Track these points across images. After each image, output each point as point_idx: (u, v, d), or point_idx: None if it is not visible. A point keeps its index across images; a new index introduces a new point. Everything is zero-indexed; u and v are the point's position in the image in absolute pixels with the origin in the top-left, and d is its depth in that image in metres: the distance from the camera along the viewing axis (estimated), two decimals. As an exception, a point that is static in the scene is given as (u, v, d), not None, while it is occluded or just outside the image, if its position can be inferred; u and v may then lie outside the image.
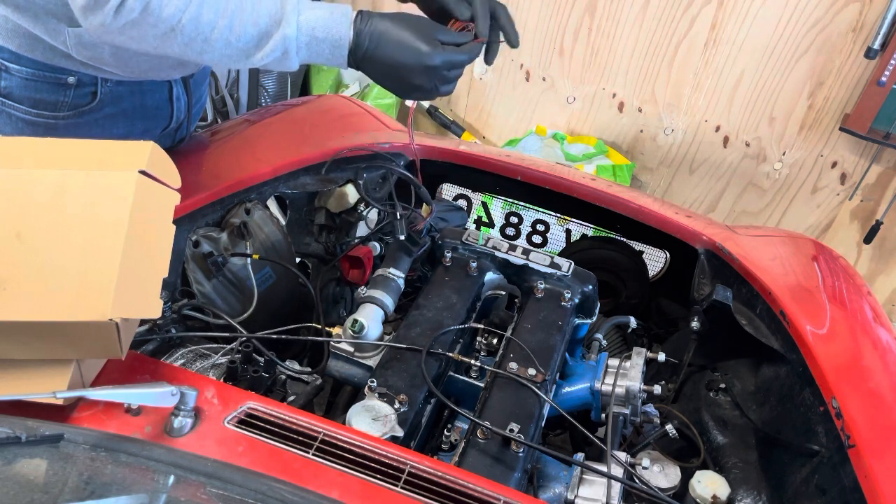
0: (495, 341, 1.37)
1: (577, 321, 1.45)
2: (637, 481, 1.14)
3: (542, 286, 1.41)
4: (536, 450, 1.11)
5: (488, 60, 1.27)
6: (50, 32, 1.20)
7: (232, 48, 1.10)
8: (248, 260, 1.37)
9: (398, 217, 1.41)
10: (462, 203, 1.94)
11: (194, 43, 1.08)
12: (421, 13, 1.24)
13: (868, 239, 3.05)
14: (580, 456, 1.16)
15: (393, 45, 1.13)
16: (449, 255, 1.46)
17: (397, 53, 1.13)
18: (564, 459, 1.12)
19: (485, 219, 2.07)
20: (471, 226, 2.01)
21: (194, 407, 0.91)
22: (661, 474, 1.28)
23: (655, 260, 1.86)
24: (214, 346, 1.20)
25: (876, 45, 2.74)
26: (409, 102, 1.32)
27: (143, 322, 1.15)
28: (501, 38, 1.26)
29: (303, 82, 3.78)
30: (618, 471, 1.10)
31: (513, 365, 1.23)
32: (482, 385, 1.24)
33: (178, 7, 1.05)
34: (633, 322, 1.58)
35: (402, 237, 1.41)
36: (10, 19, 1.19)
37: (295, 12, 1.10)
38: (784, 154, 3.23)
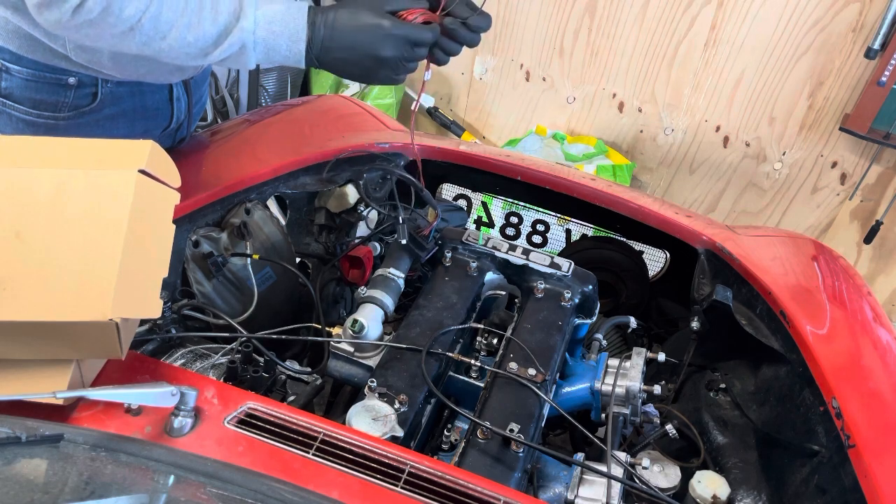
0: (495, 341, 1.37)
1: (577, 321, 1.44)
2: (637, 481, 1.14)
3: (542, 286, 1.41)
4: (536, 450, 1.11)
5: (451, 48, 1.19)
6: (48, 35, 1.20)
7: (191, 46, 1.09)
8: (248, 260, 1.37)
9: (401, 221, 1.41)
10: (462, 203, 1.94)
11: (153, 42, 1.08)
12: None
13: (868, 239, 3.05)
14: (580, 456, 1.16)
15: (349, 29, 1.12)
16: (449, 255, 1.46)
17: (355, 35, 1.12)
18: (564, 459, 1.12)
19: (485, 219, 2.07)
20: (471, 226, 2.01)
21: (194, 407, 0.91)
22: (661, 474, 1.28)
23: (655, 260, 1.86)
24: (214, 346, 1.20)
25: (876, 45, 2.74)
26: (413, 106, 1.29)
27: (143, 322, 1.15)
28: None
29: (303, 82, 3.78)
30: (618, 471, 1.10)
31: (513, 365, 1.23)
32: (482, 385, 1.24)
33: (139, 7, 1.04)
34: (633, 322, 1.58)
35: (403, 241, 1.41)
36: (11, 21, 1.19)
37: (252, 6, 1.10)
38: (784, 154, 3.23)
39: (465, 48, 1.21)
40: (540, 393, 1.19)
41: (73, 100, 1.29)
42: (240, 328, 1.22)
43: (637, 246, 1.84)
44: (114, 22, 1.04)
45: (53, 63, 1.24)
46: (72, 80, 1.27)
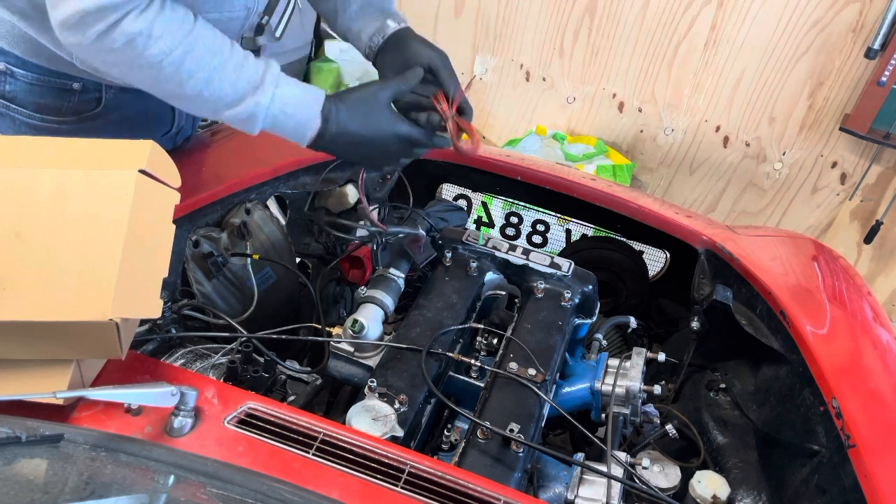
0: (495, 341, 1.37)
1: (577, 321, 1.44)
2: (637, 481, 1.14)
3: (542, 286, 1.41)
4: (536, 450, 1.11)
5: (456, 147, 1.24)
6: (55, 42, 1.20)
7: (203, 100, 1.09)
8: (248, 260, 1.37)
9: (379, 243, 1.42)
10: (462, 203, 1.94)
11: (167, 84, 1.08)
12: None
13: (868, 239, 3.05)
14: (580, 456, 1.16)
15: (357, 126, 1.15)
16: (449, 255, 1.46)
17: (362, 133, 1.16)
18: (564, 459, 1.12)
19: (485, 219, 2.07)
20: (471, 226, 2.01)
21: (194, 407, 0.91)
22: (661, 474, 1.28)
23: (655, 260, 1.86)
24: (214, 346, 1.20)
25: (876, 46, 2.74)
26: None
27: (143, 322, 1.15)
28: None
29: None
30: (618, 471, 1.10)
31: (513, 365, 1.23)
32: (482, 385, 1.24)
33: (163, 50, 1.04)
34: (633, 322, 1.58)
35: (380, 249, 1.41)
36: (17, 26, 1.19)
37: (273, 84, 1.11)
38: (784, 154, 3.23)
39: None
40: (540, 393, 1.19)
41: (77, 104, 1.29)
42: (240, 328, 1.22)
43: (637, 246, 1.84)
44: (135, 56, 1.04)
45: (59, 68, 1.24)
46: (76, 85, 1.27)
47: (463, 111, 1.23)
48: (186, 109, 1.16)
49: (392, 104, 1.19)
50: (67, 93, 1.27)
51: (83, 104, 1.29)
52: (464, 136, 1.21)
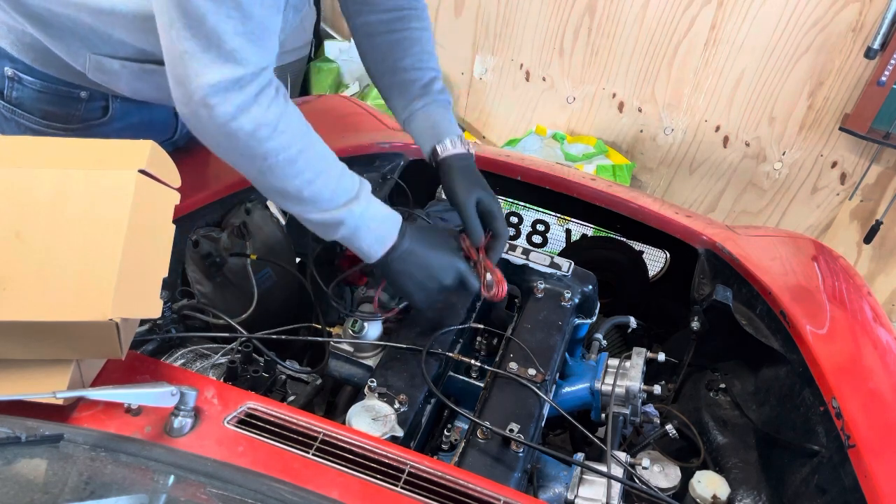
0: (495, 341, 1.37)
1: (577, 321, 1.44)
2: (637, 481, 1.14)
3: (542, 286, 1.41)
4: (536, 449, 1.11)
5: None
6: (70, 53, 1.20)
7: (300, 198, 1.11)
8: (248, 260, 1.37)
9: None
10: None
11: (271, 176, 1.09)
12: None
13: (868, 239, 3.05)
14: (580, 456, 1.15)
15: (425, 248, 1.20)
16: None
17: (429, 256, 1.20)
18: (564, 459, 1.12)
19: (485, 219, 2.06)
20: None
21: (194, 407, 0.91)
22: (661, 474, 1.28)
23: (655, 260, 1.86)
24: (214, 346, 1.20)
25: (876, 45, 2.74)
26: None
27: (143, 322, 1.15)
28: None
29: (303, 82, 3.78)
30: (618, 471, 1.10)
31: (513, 365, 1.23)
32: (482, 385, 1.24)
33: (282, 145, 1.05)
34: (633, 322, 1.58)
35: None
36: (28, 33, 1.19)
37: (367, 199, 1.15)
38: (784, 154, 3.23)
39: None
40: (540, 393, 1.19)
41: (84, 113, 1.29)
42: (239, 328, 1.22)
43: (637, 246, 1.84)
44: (254, 145, 1.05)
45: (67, 78, 1.25)
46: (83, 93, 1.27)
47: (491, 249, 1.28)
48: (275, 201, 1.17)
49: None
50: (74, 101, 1.27)
51: (90, 112, 1.30)
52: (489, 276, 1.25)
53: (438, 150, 1.31)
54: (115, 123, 1.33)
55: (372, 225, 1.16)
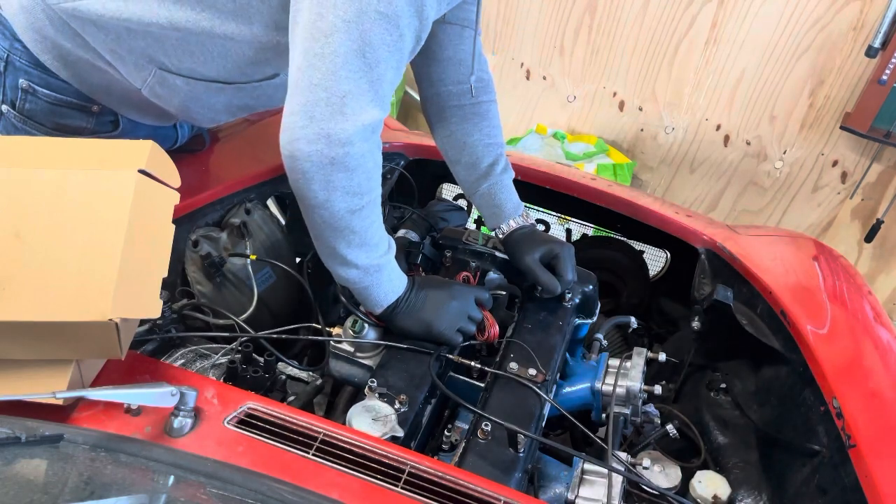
0: (495, 342, 1.36)
1: (578, 321, 1.44)
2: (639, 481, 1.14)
3: (543, 286, 1.41)
4: (543, 443, 1.11)
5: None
6: (134, 64, 1.20)
7: (362, 242, 1.14)
8: (248, 260, 1.37)
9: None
10: (462, 203, 1.94)
11: (327, 226, 1.12)
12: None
13: (869, 238, 3.04)
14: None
15: (438, 287, 1.26)
16: (449, 255, 1.46)
17: (442, 293, 1.25)
18: (570, 452, 1.11)
19: (485, 218, 2.06)
20: (471, 226, 2.01)
21: (194, 407, 0.91)
22: (661, 474, 1.27)
23: (656, 260, 1.86)
24: (214, 346, 1.20)
25: (876, 44, 2.74)
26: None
27: (143, 322, 1.15)
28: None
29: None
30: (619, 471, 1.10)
31: (513, 365, 1.23)
32: (483, 385, 1.24)
33: (350, 207, 1.10)
34: (633, 322, 1.57)
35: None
36: (73, 51, 1.19)
37: (390, 256, 1.21)
38: (785, 153, 3.23)
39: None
40: (540, 393, 1.19)
41: (95, 126, 1.30)
42: (244, 325, 1.22)
43: (637, 246, 1.84)
44: (363, 181, 1.09)
45: (85, 91, 1.26)
46: (95, 107, 1.28)
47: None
48: (318, 249, 1.18)
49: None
50: (86, 114, 1.29)
51: (100, 126, 1.31)
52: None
53: (504, 228, 1.43)
54: (123, 137, 1.33)
55: (392, 276, 1.21)
